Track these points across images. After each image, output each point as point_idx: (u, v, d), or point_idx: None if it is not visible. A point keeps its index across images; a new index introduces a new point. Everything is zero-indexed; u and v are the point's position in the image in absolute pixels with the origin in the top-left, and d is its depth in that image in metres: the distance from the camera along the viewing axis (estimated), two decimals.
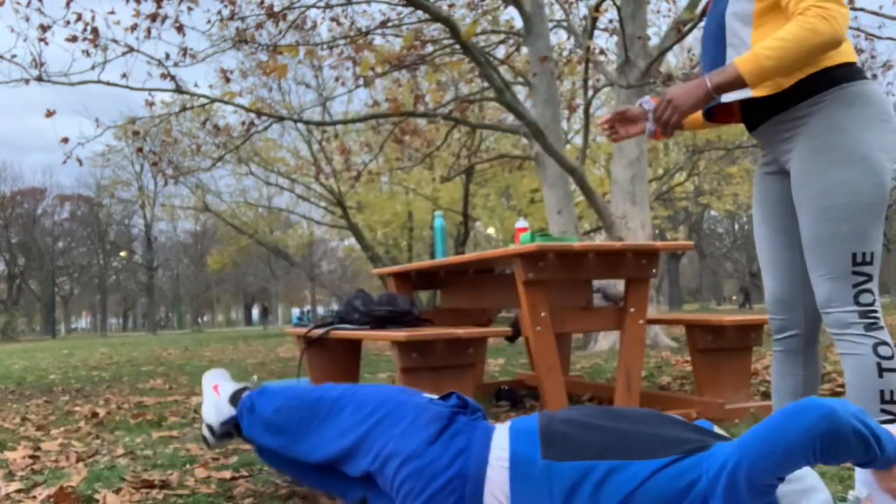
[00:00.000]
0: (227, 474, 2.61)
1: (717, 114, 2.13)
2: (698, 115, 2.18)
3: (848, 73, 1.86)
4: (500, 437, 1.59)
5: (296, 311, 4.56)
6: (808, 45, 1.74)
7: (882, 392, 1.79)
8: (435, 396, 1.82)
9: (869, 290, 1.83)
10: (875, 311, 1.83)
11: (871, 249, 1.83)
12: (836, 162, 1.83)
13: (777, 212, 2.05)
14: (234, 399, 2.22)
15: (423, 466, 1.57)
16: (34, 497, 2.39)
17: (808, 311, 2.03)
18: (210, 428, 2.24)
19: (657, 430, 1.48)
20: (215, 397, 2.26)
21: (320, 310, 45.73)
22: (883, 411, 1.79)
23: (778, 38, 1.75)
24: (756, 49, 1.77)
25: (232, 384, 2.30)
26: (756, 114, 1.99)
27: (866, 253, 1.82)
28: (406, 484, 1.58)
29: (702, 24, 2.07)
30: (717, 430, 1.57)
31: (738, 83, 1.79)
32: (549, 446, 1.50)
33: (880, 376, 1.79)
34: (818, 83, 1.86)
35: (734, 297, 53.79)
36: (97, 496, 2.38)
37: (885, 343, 1.81)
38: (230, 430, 2.23)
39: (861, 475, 1.66)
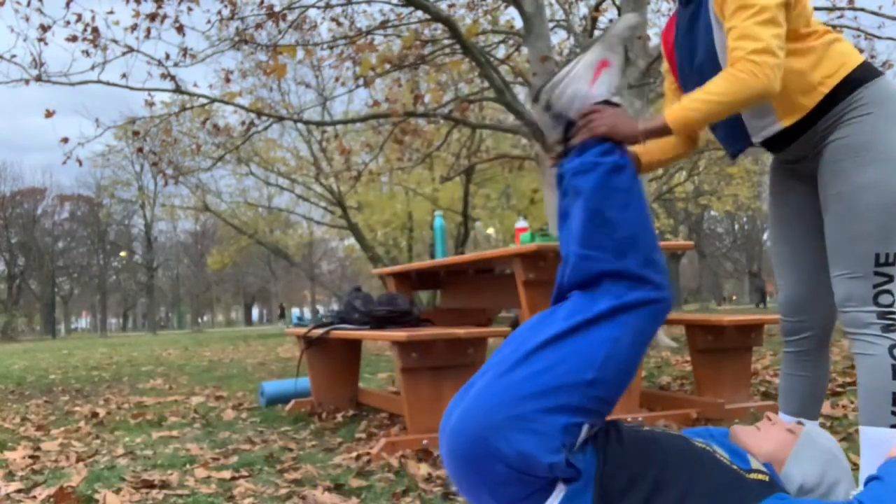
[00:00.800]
0: (227, 474, 2.62)
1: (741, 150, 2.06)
2: (656, 157, 2.08)
3: (866, 73, 1.85)
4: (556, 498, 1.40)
5: (296, 312, 4.56)
6: (737, 100, 1.72)
7: (894, 395, 1.78)
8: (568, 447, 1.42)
9: (889, 292, 1.81)
10: (893, 313, 1.81)
11: (894, 251, 1.81)
12: (867, 162, 1.81)
13: (797, 213, 2.03)
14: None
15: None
16: (34, 497, 2.39)
17: (824, 312, 2.02)
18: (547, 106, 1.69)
19: (697, 485, 1.38)
20: (590, 81, 1.70)
21: (320, 309, 45.68)
22: (894, 413, 1.79)
23: (707, 92, 1.73)
24: (684, 101, 1.76)
25: (615, 82, 1.74)
26: (782, 139, 1.94)
27: (890, 254, 1.81)
28: None
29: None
30: (753, 464, 1.47)
31: (664, 132, 1.78)
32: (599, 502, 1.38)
33: (894, 378, 1.78)
34: (840, 92, 1.84)
35: (734, 297, 53.78)
36: (97, 496, 2.38)
37: None
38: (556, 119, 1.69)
39: (865, 477, 1.66)
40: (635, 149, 2.05)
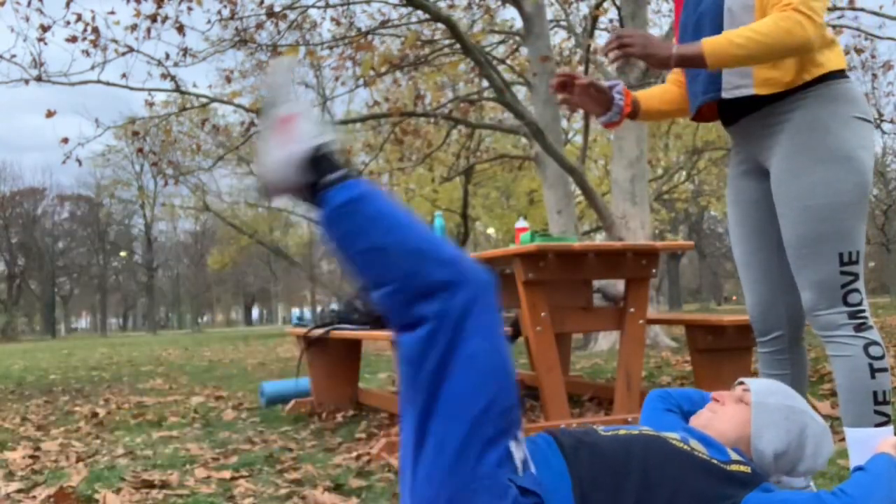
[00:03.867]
0: (227, 474, 2.61)
1: (705, 111, 2.07)
2: (655, 104, 2.10)
3: (833, 73, 1.85)
4: None
5: (295, 311, 4.56)
6: (780, 46, 1.72)
7: (875, 393, 1.78)
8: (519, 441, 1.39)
9: (857, 290, 1.81)
10: (864, 311, 1.81)
11: (856, 248, 1.81)
12: (820, 161, 1.80)
13: (752, 212, 2.03)
14: (318, 166, 1.43)
15: None
16: (34, 497, 2.39)
17: (790, 310, 2.00)
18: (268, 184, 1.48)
19: (681, 487, 1.39)
20: (283, 143, 1.45)
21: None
22: (876, 412, 1.78)
23: (752, 30, 1.72)
24: (728, 34, 1.74)
25: (315, 131, 1.46)
26: (737, 108, 1.94)
27: (852, 252, 1.80)
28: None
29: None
30: (731, 455, 1.49)
31: (698, 62, 1.76)
32: None
33: (872, 377, 1.77)
34: (810, 82, 1.84)
35: (734, 297, 53.77)
36: (97, 496, 2.38)
37: (875, 343, 1.79)
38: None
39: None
40: (638, 94, 2.08)
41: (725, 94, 1.91)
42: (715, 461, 1.44)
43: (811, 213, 1.81)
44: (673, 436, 1.50)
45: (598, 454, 1.42)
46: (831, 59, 1.85)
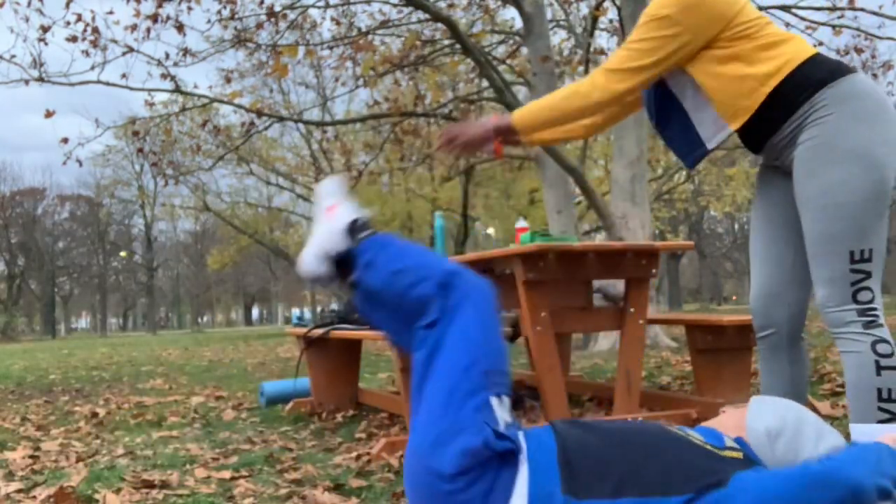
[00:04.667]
0: (227, 474, 2.61)
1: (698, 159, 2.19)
2: (541, 136, 2.30)
3: (833, 71, 1.86)
4: (521, 483, 1.49)
5: (295, 311, 4.56)
6: (567, 108, 2.01)
7: (880, 390, 1.79)
8: (504, 404, 1.59)
9: (868, 288, 1.82)
10: (874, 309, 1.82)
11: (869, 246, 1.82)
12: (836, 160, 1.82)
13: (777, 207, 2.05)
14: (353, 230, 1.86)
15: (443, 497, 1.50)
16: (34, 497, 2.39)
17: (793, 307, 2.02)
18: (317, 256, 1.88)
19: (672, 459, 1.45)
20: (328, 222, 1.90)
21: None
22: (881, 409, 1.79)
23: (550, 98, 2.02)
24: (531, 104, 2.05)
25: (350, 209, 1.92)
26: (755, 138, 1.99)
27: (864, 250, 1.81)
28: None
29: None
30: (727, 441, 1.54)
31: (512, 131, 2.08)
32: (568, 481, 1.45)
33: (878, 374, 1.79)
34: (801, 89, 1.86)
35: (734, 297, 53.79)
36: (97, 496, 2.38)
37: (884, 341, 1.80)
38: (332, 269, 1.89)
39: None
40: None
41: (710, 145, 2.04)
42: (709, 446, 1.49)
43: (827, 212, 1.83)
44: (671, 426, 1.56)
45: (590, 429, 1.55)
46: (790, 59, 1.87)
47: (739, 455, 1.48)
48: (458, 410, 1.51)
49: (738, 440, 1.54)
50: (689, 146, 2.07)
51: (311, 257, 1.88)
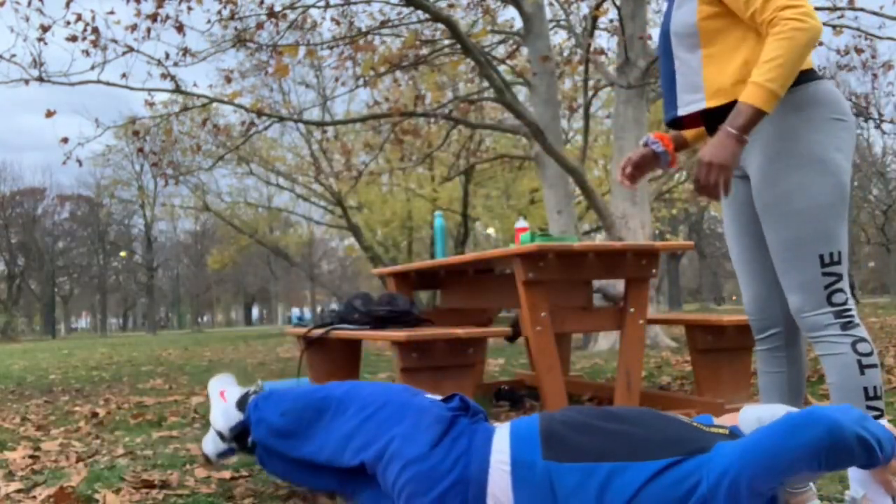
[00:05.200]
0: (227, 474, 2.61)
1: (686, 125, 2.13)
2: (698, 129, 2.19)
3: (798, 77, 1.85)
4: (501, 439, 1.58)
5: (295, 311, 4.55)
6: (798, 56, 1.75)
7: (866, 389, 1.80)
8: (437, 397, 1.82)
9: (841, 290, 1.83)
10: (849, 310, 1.83)
11: (837, 248, 1.83)
12: (792, 167, 1.84)
13: (745, 211, 2.05)
14: (241, 404, 2.17)
15: (427, 470, 1.57)
16: (34, 497, 2.39)
17: (786, 307, 2.02)
18: (220, 435, 2.20)
19: (656, 431, 1.48)
20: (222, 403, 2.22)
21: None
22: (869, 408, 1.80)
23: (768, 61, 1.76)
24: (756, 79, 1.77)
25: (238, 389, 2.27)
26: (715, 124, 1.98)
27: (833, 253, 1.83)
28: (408, 486, 1.59)
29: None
30: (715, 422, 1.57)
31: (758, 117, 1.78)
32: (550, 448, 1.49)
33: (862, 373, 1.80)
34: None
35: (734, 297, 53.77)
36: (97, 496, 2.38)
37: (863, 340, 1.82)
38: (235, 439, 2.17)
39: (855, 474, 1.67)
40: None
41: (681, 111, 2.01)
42: (697, 424, 1.54)
43: (790, 218, 1.84)
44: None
45: (576, 410, 1.62)
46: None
47: (725, 431, 1.51)
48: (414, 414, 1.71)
49: (732, 427, 1.57)
50: (666, 104, 2.07)
51: (210, 442, 2.24)
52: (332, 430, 1.84)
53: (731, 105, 1.88)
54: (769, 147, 1.87)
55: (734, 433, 1.52)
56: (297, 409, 1.93)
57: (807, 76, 1.87)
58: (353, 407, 1.82)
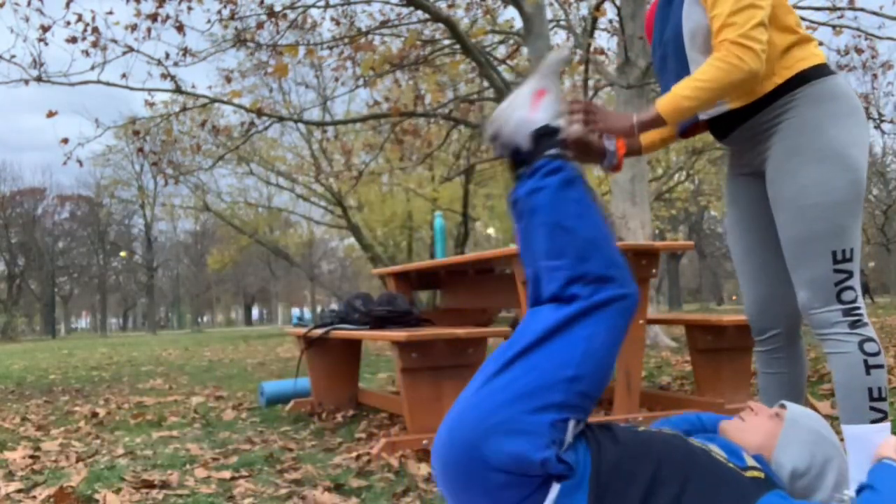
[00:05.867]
0: (227, 474, 2.62)
1: (691, 129, 2.12)
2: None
3: (814, 72, 1.86)
4: (551, 497, 1.41)
5: (295, 311, 4.56)
6: (725, 85, 1.77)
7: (870, 389, 1.79)
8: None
9: (851, 287, 1.82)
10: (858, 308, 1.82)
11: (850, 246, 1.82)
12: (811, 161, 1.83)
13: (750, 213, 2.05)
14: (544, 137, 1.68)
15: None
16: (34, 497, 2.39)
17: (787, 308, 2.02)
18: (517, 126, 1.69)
19: (698, 483, 1.39)
20: (532, 109, 1.71)
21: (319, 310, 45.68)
22: (872, 409, 1.79)
23: (695, 80, 1.79)
24: (675, 90, 1.80)
25: (556, 106, 1.74)
26: (726, 123, 1.97)
27: (846, 250, 1.82)
28: None
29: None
30: (748, 460, 1.49)
31: (658, 123, 1.84)
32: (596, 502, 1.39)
33: (867, 373, 1.79)
34: (789, 84, 1.86)
35: (734, 297, 53.78)
36: (97, 496, 2.38)
37: (870, 339, 1.80)
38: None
39: (856, 474, 1.66)
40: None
41: (703, 116, 1.99)
42: (731, 465, 1.45)
43: (805, 212, 1.83)
44: (693, 440, 1.51)
45: (623, 446, 1.45)
46: (804, 58, 1.87)
47: (761, 475, 1.46)
48: (537, 413, 1.39)
49: (758, 458, 1.52)
50: None
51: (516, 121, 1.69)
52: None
53: (763, 103, 1.88)
54: (789, 140, 1.85)
55: (770, 479, 1.46)
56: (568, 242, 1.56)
57: (824, 70, 1.87)
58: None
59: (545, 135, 1.66)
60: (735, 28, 1.76)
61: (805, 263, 1.84)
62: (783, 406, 1.64)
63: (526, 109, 1.70)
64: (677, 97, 1.79)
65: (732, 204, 2.09)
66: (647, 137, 2.15)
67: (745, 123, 1.93)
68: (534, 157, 1.65)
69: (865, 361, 1.79)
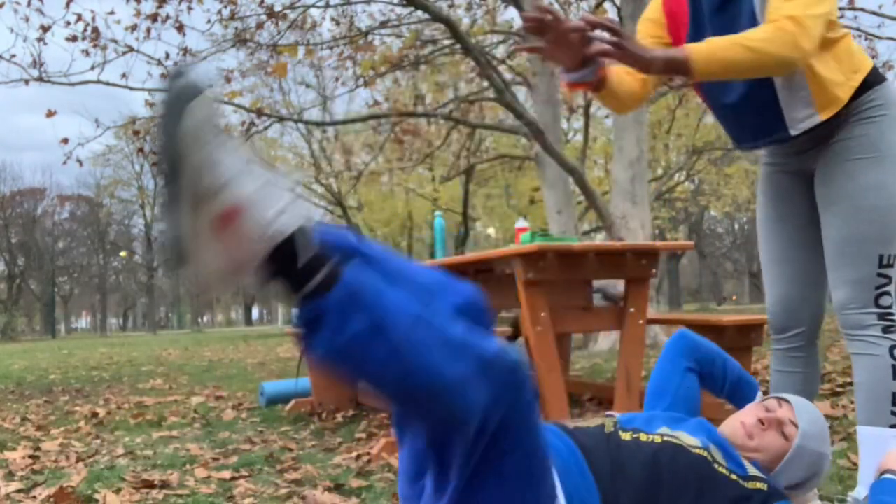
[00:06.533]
0: (227, 474, 2.62)
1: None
2: (617, 87, 1.87)
3: (877, 74, 1.85)
4: None
5: (296, 312, 4.54)
6: (771, 55, 1.64)
7: (894, 395, 1.79)
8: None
9: (889, 293, 1.83)
10: (893, 315, 1.83)
11: (895, 252, 1.82)
12: (874, 163, 1.82)
13: (789, 210, 2.03)
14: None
15: None
16: (34, 497, 2.39)
17: (812, 309, 2.02)
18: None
19: (701, 500, 1.42)
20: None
21: None
22: (893, 413, 1.79)
23: (743, 38, 1.64)
24: (716, 41, 1.65)
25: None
26: (818, 135, 1.90)
27: (892, 255, 1.82)
28: None
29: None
30: (749, 469, 1.51)
31: (681, 69, 1.65)
32: None
33: (894, 378, 1.79)
34: (860, 90, 1.84)
35: (734, 297, 53.77)
36: (97, 496, 2.38)
37: None
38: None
39: (866, 478, 1.67)
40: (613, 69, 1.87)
41: (794, 132, 1.87)
42: (734, 476, 1.47)
43: (860, 213, 1.82)
44: (693, 442, 1.51)
45: (626, 464, 1.42)
46: (865, 61, 1.85)
47: (764, 486, 1.48)
48: None
49: (756, 464, 1.53)
50: (761, 128, 1.90)
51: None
52: None
53: (836, 116, 1.82)
54: (848, 142, 1.84)
55: (773, 490, 1.48)
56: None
57: (881, 76, 1.86)
58: None
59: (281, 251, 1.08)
60: (801, 6, 1.65)
61: (850, 263, 1.83)
62: (789, 403, 1.62)
63: (219, 256, 1.11)
64: (716, 48, 1.63)
65: (771, 201, 2.07)
66: (615, 79, 1.87)
67: (814, 131, 1.87)
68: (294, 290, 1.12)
69: (894, 367, 1.79)
